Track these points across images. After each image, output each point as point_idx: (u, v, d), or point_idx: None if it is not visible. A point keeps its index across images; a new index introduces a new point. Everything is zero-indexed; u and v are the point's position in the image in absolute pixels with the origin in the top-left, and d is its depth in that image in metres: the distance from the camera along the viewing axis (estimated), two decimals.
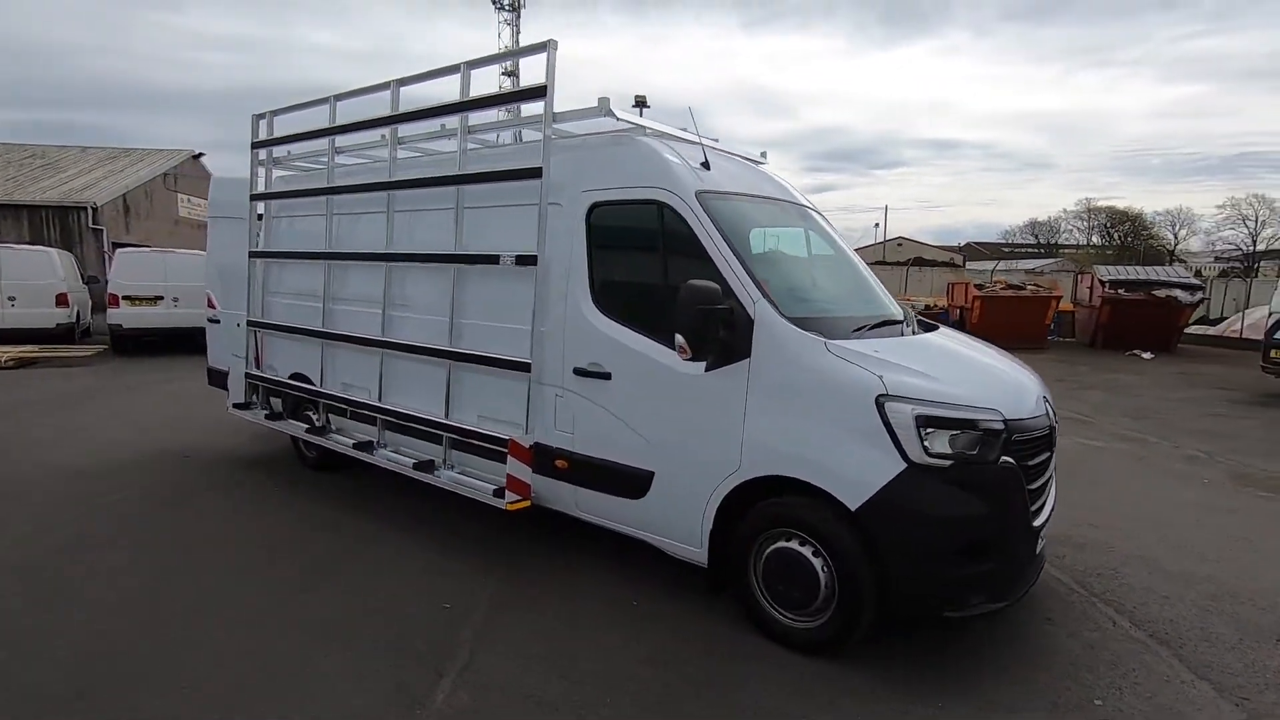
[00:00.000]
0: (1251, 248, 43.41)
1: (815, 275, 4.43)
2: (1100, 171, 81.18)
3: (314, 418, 6.10)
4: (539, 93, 4.07)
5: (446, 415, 4.71)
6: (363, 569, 4.37)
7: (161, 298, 13.58)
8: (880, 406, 3.14)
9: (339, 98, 5.50)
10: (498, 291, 4.50)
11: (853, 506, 3.18)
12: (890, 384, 3.17)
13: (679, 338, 3.43)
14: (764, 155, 4.94)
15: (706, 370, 3.56)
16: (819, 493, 3.30)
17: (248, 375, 6.38)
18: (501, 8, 41.73)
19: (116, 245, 17.28)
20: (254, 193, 6.32)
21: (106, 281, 14.17)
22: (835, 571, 3.30)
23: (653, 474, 3.83)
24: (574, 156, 4.16)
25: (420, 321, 4.97)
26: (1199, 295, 18.84)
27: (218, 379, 7.12)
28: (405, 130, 5.13)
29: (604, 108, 3.93)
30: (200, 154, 27.17)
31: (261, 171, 6.34)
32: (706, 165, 3.98)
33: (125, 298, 13.36)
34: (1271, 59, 59.85)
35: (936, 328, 4.35)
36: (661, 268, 3.83)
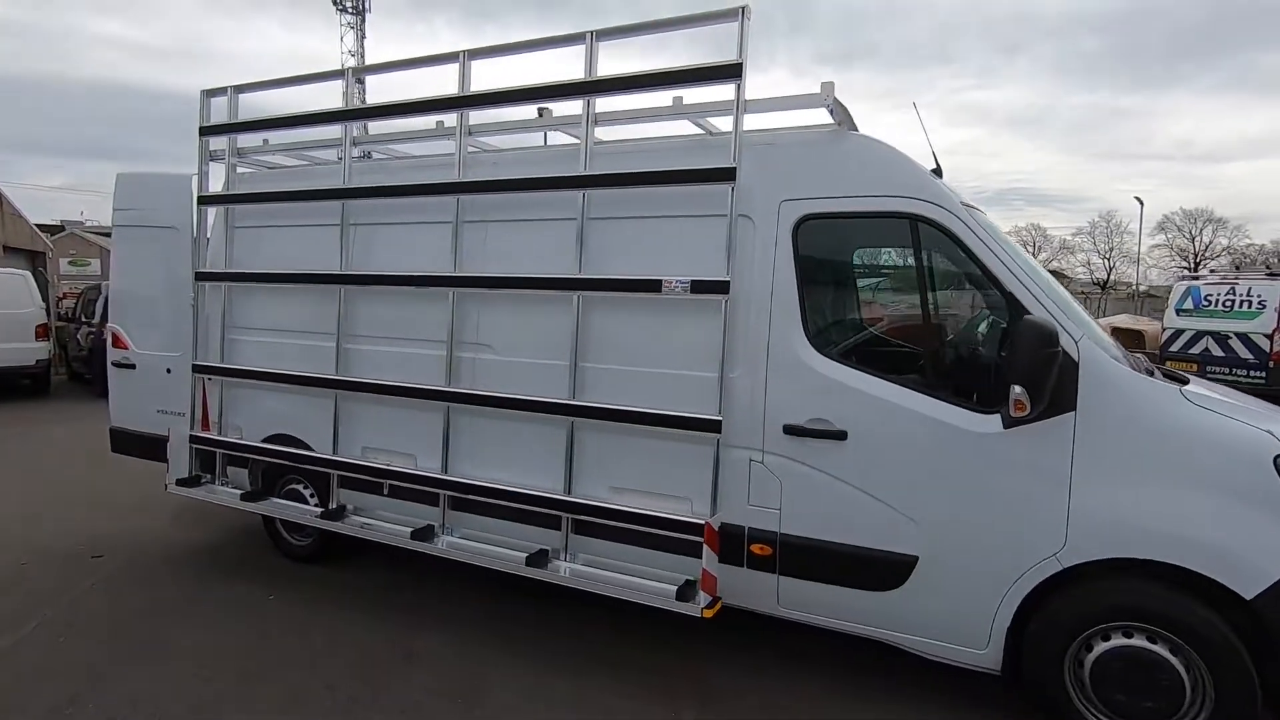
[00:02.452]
0: None
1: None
2: None
3: (305, 493, 4.62)
4: (730, 72, 3.16)
5: (568, 490, 3.58)
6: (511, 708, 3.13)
7: None
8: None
9: (357, 73, 4.18)
10: (646, 328, 3.48)
11: (1248, 594, 2.57)
12: None
13: (1016, 390, 2.65)
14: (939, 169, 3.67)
15: (1006, 428, 2.82)
16: (1178, 574, 2.66)
17: (195, 439, 4.73)
18: (344, 10, 38.71)
19: None
20: (204, 194, 4.73)
21: None
22: (1207, 672, 2.66)
23: (915, 560, 3.01)
24: (763, 157, 3.27)
25: (509, 367, 3.79)
26: None
27: (130, 443, 5.29)
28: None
29: (828, 94, 3.08)
30: None
31: (215, 170, 4.76)
32: (939, 171, 3.27)
33: None
34: (1025, 110, 72.19)
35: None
36: (923, 298, 3.04)
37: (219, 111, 4.66)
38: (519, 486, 3.65)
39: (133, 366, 5.23)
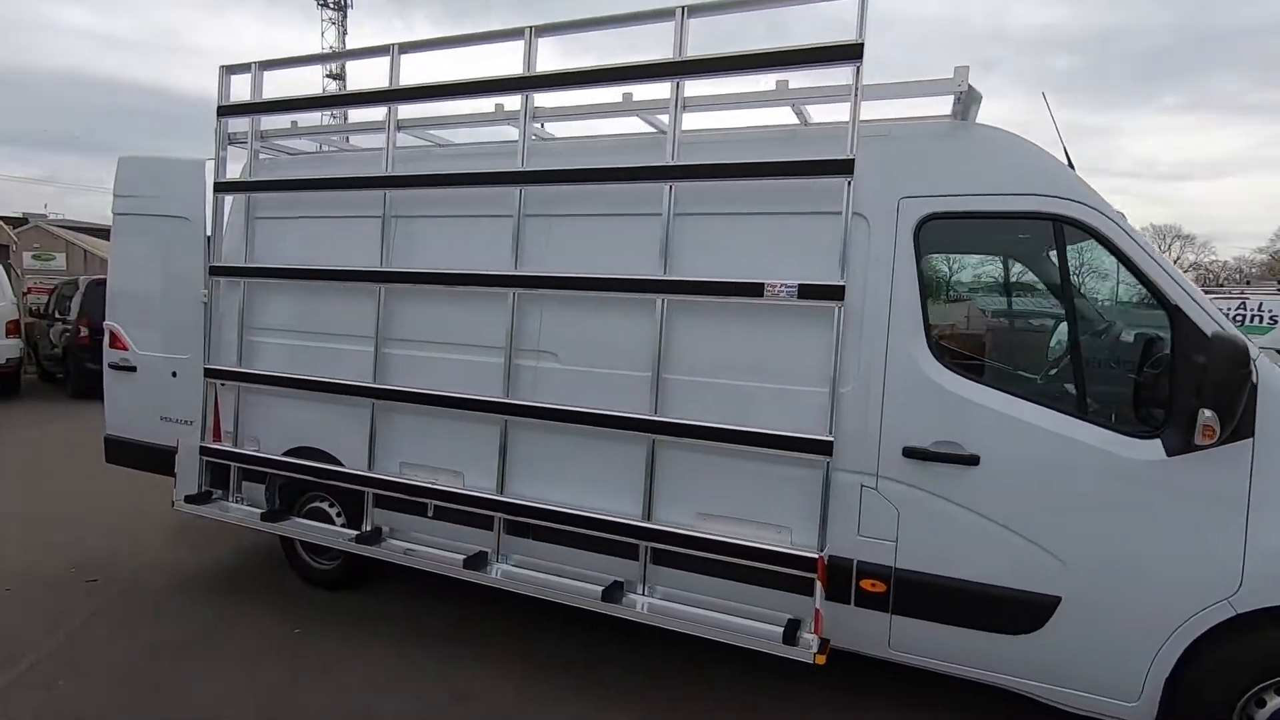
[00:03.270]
0: None
1: None
2: None
3: (331, 512, 4.19)
4: (849, 53, 2.83)
5: (647, 515, 3.21)
6: None
7: None
8: None
9: (405, 49, 3.77)
10: (738, 336, 3.13)
11: None
12: None
13: (1206, 414, 2.34)
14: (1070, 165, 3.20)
15: (1171, 455, 2.52)
16: None
17: (207, 451, 4.26)
18: (325, 5, 37.91)
19: None
20: (221, 180, 4.28)
21: None
22: None
23: (1058, 601, 2.69)
24: (878, 150, 2.94)
25: (575, 377, 3.41)
26: None
27: (127, 454, 4.81)
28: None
29: (961, 79, 2.77)
30: None
31: (238, 154, 4.32)
32: (1071, 168, 2.97)
33: None
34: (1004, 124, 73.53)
35: None
36: (1067, 308, 2.72)
37: (238, 91, 4.23)
38: (591, 510, 3.27)
39: (133, 369, 4.74)
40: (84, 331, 10.16)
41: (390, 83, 3.76)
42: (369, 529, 3.83)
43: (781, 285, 2.93)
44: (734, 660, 3.29)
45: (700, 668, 3.50)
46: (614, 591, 3.20)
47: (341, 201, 4.02)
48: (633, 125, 3.60)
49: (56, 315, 11.37)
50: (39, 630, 3.74)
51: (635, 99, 3.37)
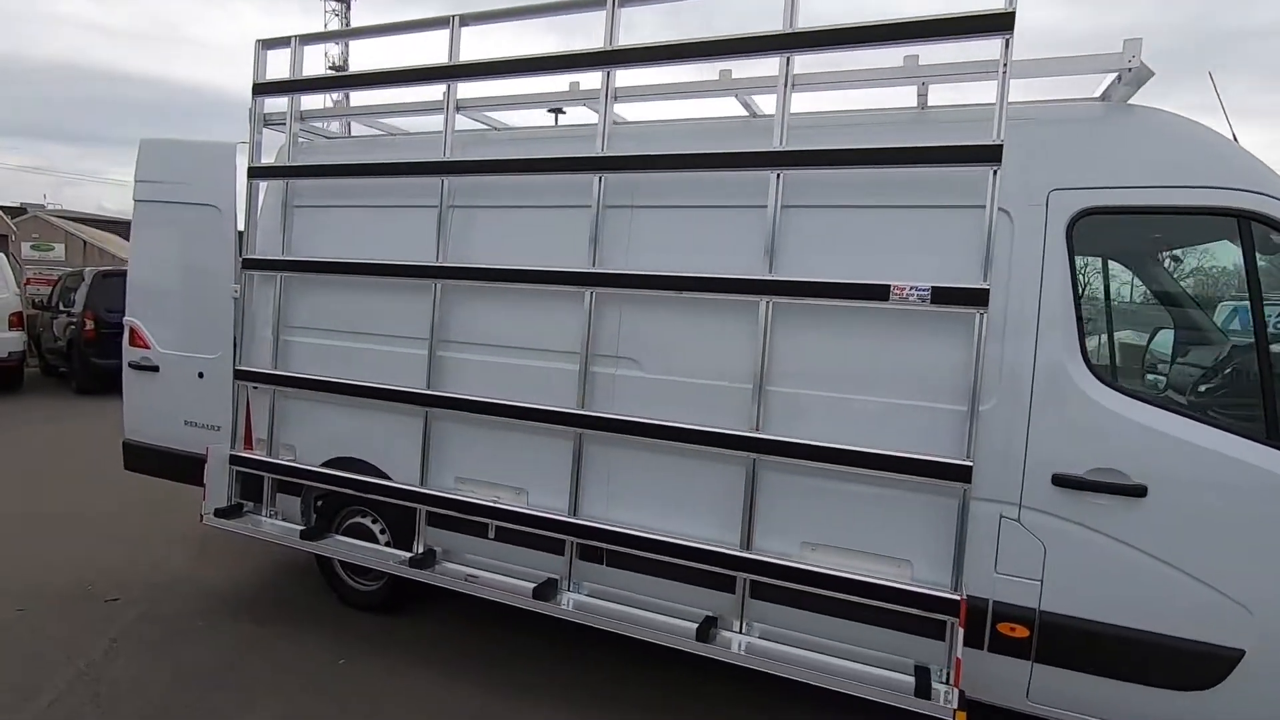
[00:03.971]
0: None
1: None
2: None
3: (375, 529, 3.84)
4: (998, 24, 2.47)
5: (746, 544, 2.86)
6: None
7: None
8: None
9: (466, 20, 3.41)
10: (853, 344, 2.78)
11: None
12: None
13: None
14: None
15: None
16: None
17: (239, 460, 3.91)
18: None
19: None
20: (257, 165, 3.92)
21: None
22: None
23: (1241, 654, 2.35)
24: (1022, 136, 2.58)
25: (661, 387, 3.06)
26: None
27: (147, 460, 4.44)
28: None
29: (1133, 53, 2.41)
30: None
31: (268, 137, 3.96)
32: None
33: None
34: None
35: None
36: (1255, 317, 2.37)
37: (276, 68, 3.88)
38: (690, 539, 2.91)
39: (155, 369, 4.37)
40: (90, 325, 9.77)
41: (450, 58, 3.41)
42: (422, 550, 3.47)
43: (912, 288, 2.58)
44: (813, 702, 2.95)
45: (779, 711, 3.16)
46: (706, 629, 2.85)
47: (389, 189, 3.66)
48: (707, 109, 3.27)
49: (61, 307, 10.97)
50: (59, 658, 3.39)
51: (734, 77, 3.02)
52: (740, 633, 2.90)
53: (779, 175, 2.80)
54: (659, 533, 2.96)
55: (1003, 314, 2.58)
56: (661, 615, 2.99)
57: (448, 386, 3.44)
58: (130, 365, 4.45)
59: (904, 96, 2.98)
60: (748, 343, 2.86)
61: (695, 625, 2.85)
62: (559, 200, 3.29)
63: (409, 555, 3.45)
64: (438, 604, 3.98)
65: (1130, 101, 2.66)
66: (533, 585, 3.14)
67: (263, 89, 3.88)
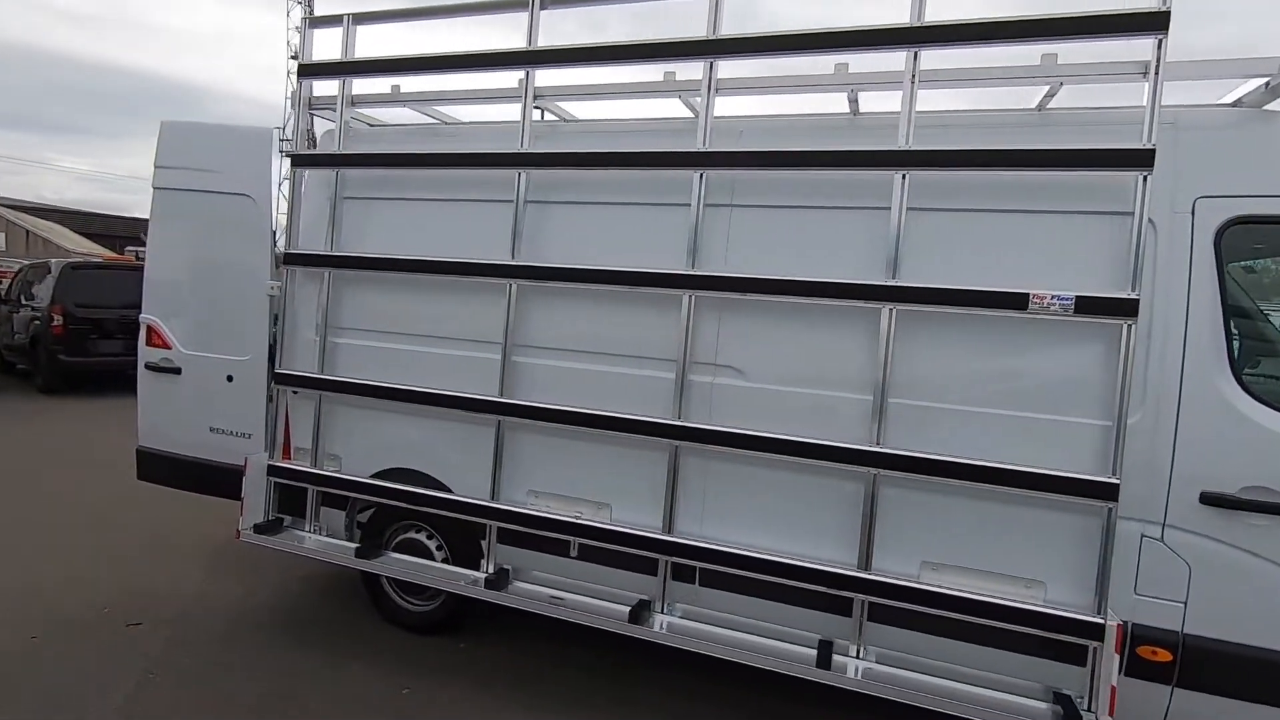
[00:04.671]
0: None
1: None
2: None
3: (430, 545, 3.58)
4: (1153, 23, 2.37)
5: (865, 564, 2.71)
6: None
7: None
8: None
9: (546, 3, 3.20)
10: (982, 355, 2.66)
11: None
12: None
13: None
14: None
15: None
16: None
17: (280, 472, 3.62)
18: None
19: None
20: (301, 153, 3.63)
21: None
22: None
23: None
24: (1163, 142, 2.48)
25: (765, 397, 2.90)
26: None
27: (166, 470, 4.10)
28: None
29: None
30: None
31: (317, 123, 3.69)
32: None
33: None
34: None
35: None
36: None
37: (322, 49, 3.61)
38: (789, 556, 2.75)
39: (177, 371, 4.03)
40: (58, 320, 9.16)
41: (528, 42, 3.18)
42: (493, 570, 3.24)
43: (1054, 297, 2.46)
44: None
45: None
46: (825, 655, 2.69)
47: (452, 182, 3.42)
48: (805, 104, 3.12)
49: (22, 301, 10.29)
50: (90, 691, 3.06)
51: (850, 70, 2.87)
52: (858, 657, 2.75)
53: (904, 176, 2.66)
54: (772, 552, 2.79)
55: (1146, 325, 2.48)
56: (770, 639, 2.82)
57: (518, 394, 3.22)
58: (147, 367, 4.10)
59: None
60: (864, 352, 2.72)
61: (814, 650, 2.69)
62: (644, 197, 3.11)
63: (482, 575, 3.21)
64: (496, 623, 3.74)
65: (1266, 108, 2.59)
66: (627, 608, 2.94)
67: (309, 70, 3.60)
